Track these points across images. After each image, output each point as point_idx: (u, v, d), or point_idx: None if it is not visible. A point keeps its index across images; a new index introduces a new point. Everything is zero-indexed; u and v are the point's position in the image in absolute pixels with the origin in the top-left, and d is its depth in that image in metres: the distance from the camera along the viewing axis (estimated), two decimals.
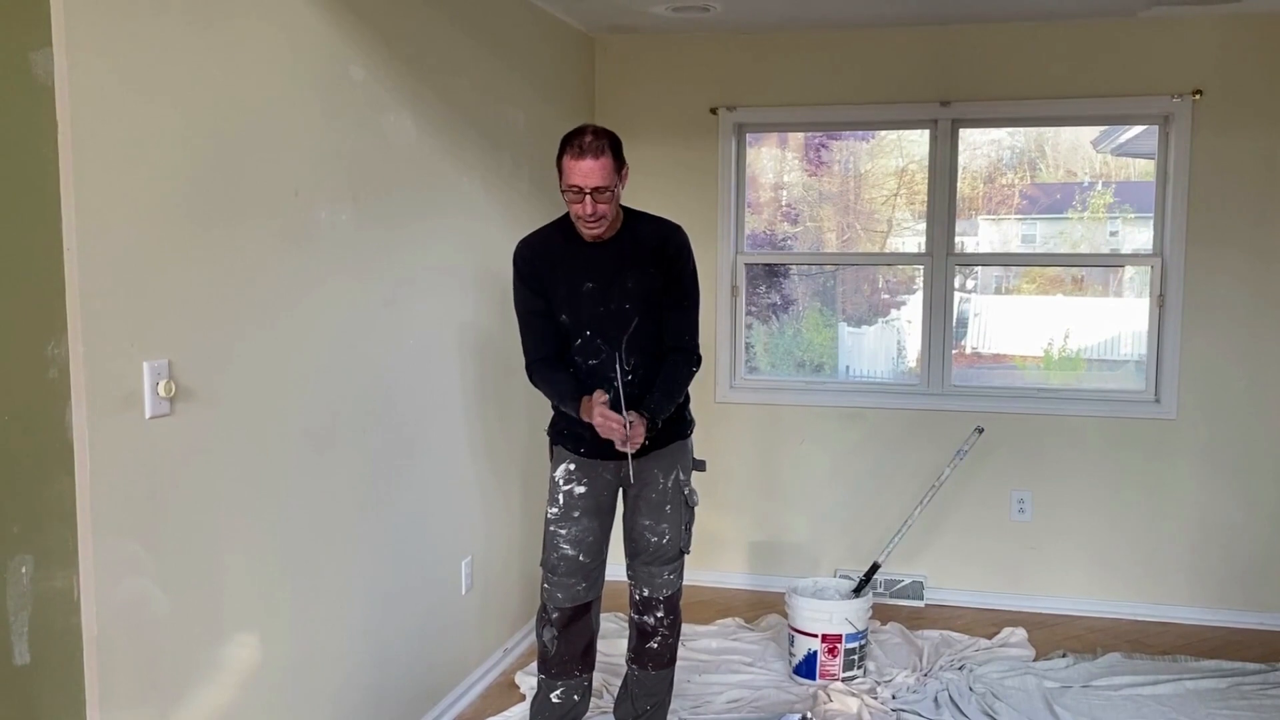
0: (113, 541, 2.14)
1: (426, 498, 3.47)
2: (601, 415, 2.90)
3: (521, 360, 3.18)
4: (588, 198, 2.88)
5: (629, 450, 2.91)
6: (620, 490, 3.21)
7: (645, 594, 3.21)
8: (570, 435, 3.14)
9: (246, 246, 2.51)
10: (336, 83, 2.88)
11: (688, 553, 3.23)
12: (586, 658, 3.25)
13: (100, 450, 2.09)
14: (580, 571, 3.15)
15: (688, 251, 3.12)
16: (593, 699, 3.48)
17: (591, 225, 2.95)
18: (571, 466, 3.14)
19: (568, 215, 3.06)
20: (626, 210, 3.10)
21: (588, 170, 2.86)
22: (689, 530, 3.21)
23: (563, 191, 2.93)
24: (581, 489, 3.13)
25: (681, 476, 3.17)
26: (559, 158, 2.92)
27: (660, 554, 3.17)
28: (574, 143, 2.88)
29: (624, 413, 2.91)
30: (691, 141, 4.92)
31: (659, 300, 3.07)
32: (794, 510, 5.00)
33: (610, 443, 2.97)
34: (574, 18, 4.58)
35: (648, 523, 3.15)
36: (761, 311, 5.24)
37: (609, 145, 2.90)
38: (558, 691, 3.22)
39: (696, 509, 3.24)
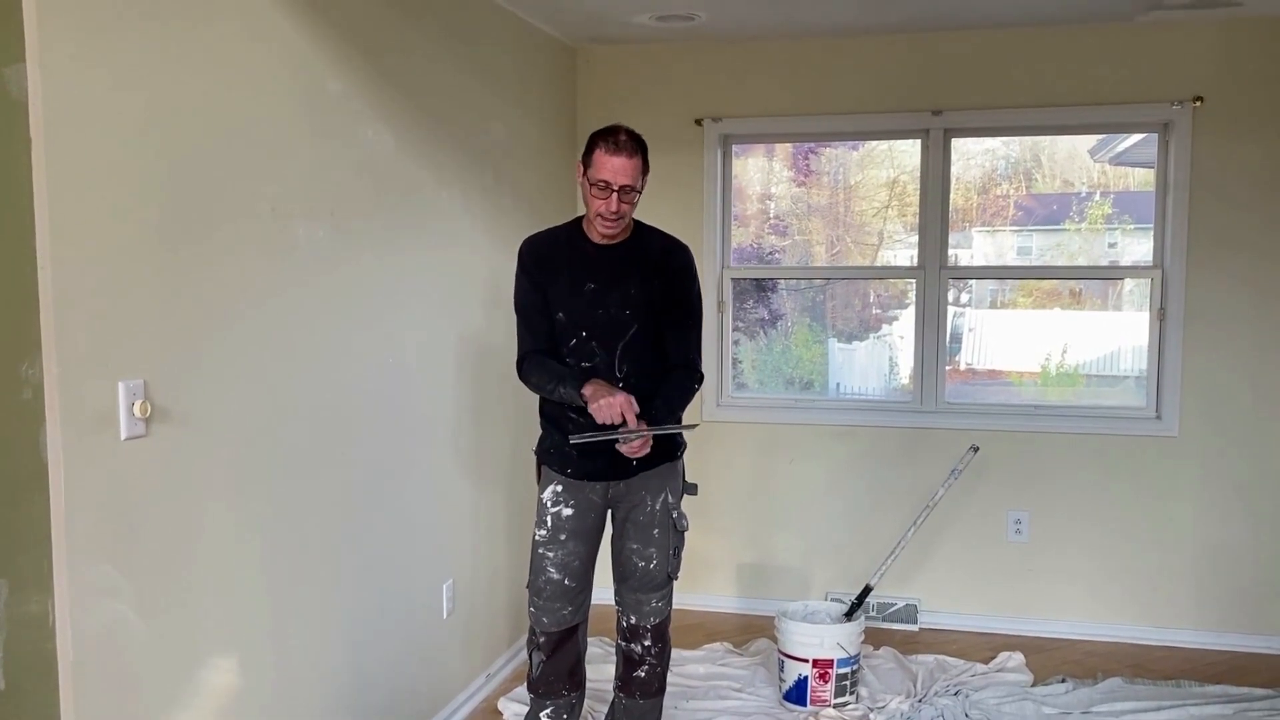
0: (88, 566, 2.14)
1: (407, 519, 3.45)
2: (607, 393, 2.86)
3: (507, 373, 3.17)
4: (615, 195, 2.90)
5: (636, 451, 2.89)
6: (609, 513, 3.19)
7: (632, 621, 3.21)
8: (558, 455, 3.12)
9: (223, 264, 2.52)
10: (313, 97, 2.87)
11: (675, 579, 3.21)
12: (573, 677, 3.25)
13: (75, 473, 2.10)
14: (566, 596, 3.14)
15: (693, 271, 3.15)
16: None
17: (610, 224, 2.96)
18: (559, 488, 3.12)
19: (576, 220, 3.11)
20: (636, 221, 3.13)
21: (620, 167, 2.88)
22: (678, 555, 3.20)
23: (589, 185, 2.93)
24: (569, 511, 3.11)
25: (670, 499, 3.15)
26: (589, 152, 2.93)
27: (648, 580, 3.16)
28: (609, 138, 2.91)
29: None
30: (676, 153, 4.85)
31: (658, 313, 3.06)
32: (784, 532, 4.94)
33: (598, 463, 3.01)
34: (555, 28, 4.52)
35: (635, 546, 3.15)
36: (749, 327, 5.17)
37: (641, 149, 2.96)
38: (547, 711, 3.24)
39: (686, 532, 3.22)
